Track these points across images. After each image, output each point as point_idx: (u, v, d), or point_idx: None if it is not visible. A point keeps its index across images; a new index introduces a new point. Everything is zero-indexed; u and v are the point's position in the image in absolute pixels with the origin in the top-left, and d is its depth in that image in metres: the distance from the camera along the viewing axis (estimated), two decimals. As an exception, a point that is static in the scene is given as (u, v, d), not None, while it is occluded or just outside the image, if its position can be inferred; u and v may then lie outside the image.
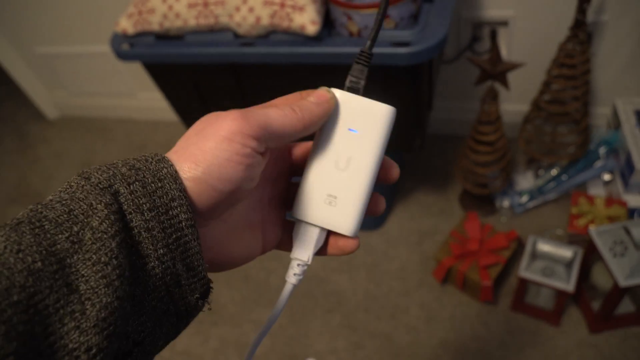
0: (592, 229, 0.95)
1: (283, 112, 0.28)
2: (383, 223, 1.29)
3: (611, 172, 1.21)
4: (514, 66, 0.99)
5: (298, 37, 0.87)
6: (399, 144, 1.02)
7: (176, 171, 0.25)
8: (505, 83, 1.02)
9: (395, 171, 0.32)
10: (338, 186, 0.30)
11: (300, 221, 0.31)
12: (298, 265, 0.31)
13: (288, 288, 0.32)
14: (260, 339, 0.33)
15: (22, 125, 1.99)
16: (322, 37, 0.85)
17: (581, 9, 1.01)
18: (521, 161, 1.34)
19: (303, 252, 0.31)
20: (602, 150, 1.21)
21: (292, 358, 1.11)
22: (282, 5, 0.84)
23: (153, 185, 0.24)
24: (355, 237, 0.31)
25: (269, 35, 0.90)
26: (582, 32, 1.04)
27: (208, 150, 0.25)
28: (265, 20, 0.86)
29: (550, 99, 1.15)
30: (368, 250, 1.25)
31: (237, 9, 0.89)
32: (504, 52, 1.26)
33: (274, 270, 1.26)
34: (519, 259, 1.13)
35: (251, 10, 0.87)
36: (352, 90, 0.31)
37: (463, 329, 1.08)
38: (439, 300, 1.13)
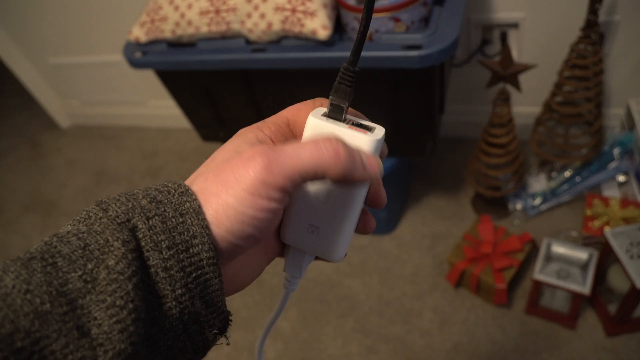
0: (608, 231, 0.94)
1: (319, 151, 0.24)
2: (395, 227, 1.29)
3: (626, 173, 1.20)
4: (525, 67, 0.99)
5: (309, 42, 0.87)
6: (411, 148, 1.02)
7: (199, 206, 0.24)
8: (516, 85, 1.01)
9: (382, 198, 0.30)
10: (320, 217, 0.29)
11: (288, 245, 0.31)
12: (292, 278, 0.32)
13: (285, 294, 0.33)
14: (262, 344, 0.34)
15: (36, 135, 2.01)
16: (333, 41, 0.86)
17: (593, 10, 1.01)
18: (534, 163, 1.34)
19: (294, 270, 0.32)
20: (616, 152, 1.20)
21: (305, 363, 1.11)
22: (294, 10, 0.85)
23: (174, 220, 0.23)
24: (340, 260, 0.31)
25: (281, 40, 0.90)
26: (594, 33, 1.04)
27: (230, 207, 0.23)
28: (277, 26, 0.87)
29: (562, 101, 1.15)
30: (380, 255, 1.25)
31: (249, 15, 0.90)
32: (515, 54, 1.26)
33: (287, 276, 1.26)
34: (533, 261, 1.12)
35: (263, 16, 0.88)
36: (334, 113, 0.28)
37: (477, 333, 1.07)
38: (453, 304, 1.13)
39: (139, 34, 1.00)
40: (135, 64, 1.01)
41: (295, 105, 0.30)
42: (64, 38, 1.66)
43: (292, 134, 0.30)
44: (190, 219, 0.23)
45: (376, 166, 0.26)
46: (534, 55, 1.24)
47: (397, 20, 0.82)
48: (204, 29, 0.94)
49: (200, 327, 0.24)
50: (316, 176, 0.24)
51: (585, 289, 0.96)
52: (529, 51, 1.24)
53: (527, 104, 1.35)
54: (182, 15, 0.95)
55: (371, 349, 1.10)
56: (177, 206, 0.23)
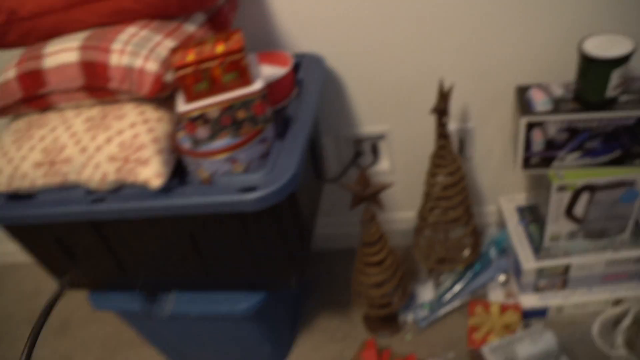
0: (485, 348, 0.91)
1: None
2: (286, 358, 1.20)
3: (506, 272, 1.21)
4: (383, 187, 0.99)
5: (147, 189, 0.83)
6: (274, 283, 0.97)
7: None
8: (379, 204, 1.01)
9: None
10: None
11: None
12: None
13: None
14: None
15: None
16: (172, 187, 0.82)
17: (440, 123, 1.04)
18: (423, 269, 1.32)
19: None
20: (493, 252, 1.21)
21: None
22: (126, 160, 0.81)
23: None
24: None
25: (121, 188, 0.85)
26: (447, 143, 1.07)
27: None
28: (112, 176, 0.82)
29: (433, 208, 1.16)
30: (274, 390, 1.15)
31: (84, 165, 0.85)
32: (387, 164, 1.28)
33: None
34: (428, 380, 1.06)
35: (97, 166, 0.83)
36: None
37: None
38: None
39: (-29, 190, 0.92)
40: (-32, 222, 0.91)
41: None
42: None
43: None
44: None
45: None
46: (405, 163, 1.27)
47: (234, 161, 0.80)
48: (40, 181, 0.88)
49: None
50: None
51: (475, 411, 0.90)
52: (399, 160, 1.27)
53: (407, 209, 1.36)
54: (16, 168, 0.89)
55: None
56: None
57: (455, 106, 1.15)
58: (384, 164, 1.28)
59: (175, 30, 0.88)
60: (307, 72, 1.02)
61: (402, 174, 1.29)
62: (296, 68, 1.04)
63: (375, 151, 1.28)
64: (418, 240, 1.22)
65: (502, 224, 1.27)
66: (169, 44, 0.84)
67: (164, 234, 0.91)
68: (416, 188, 1.31)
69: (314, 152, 1.06)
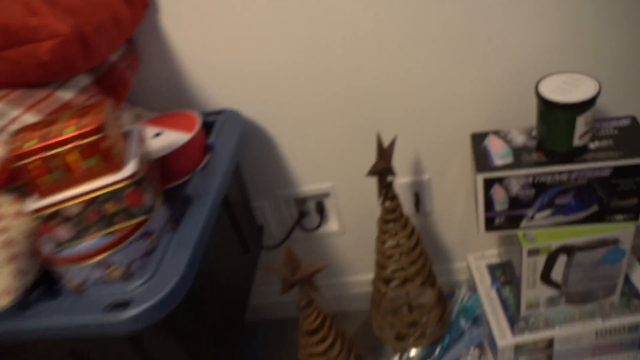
0: None
1: None
2: None
3: (480, 345, 1.03)
4: (316, 270, 0.81)
5: (3, 305, 0.65)
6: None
7: None
8: (314, 287, 0.83)
9: None
10: None
11: None
12: None
13: None
14: None
15: None
16: (30, 302, 0.64)
17: (384, 184, 0.88)
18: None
19: None
20: (463, 321, 1.03)
21: None
22: (-31, 272, 0.63)
23: None
24: None
25: (-28, 304, 0.68)
26: (396, 204, 0.91)
27: None
28: (-45, 292, 0.65)
29: (388, 278, 0.99)
30: None
31: None
32: (335, 223, 1.11)
33: None
34: None
35: (-61, 279, 0.66)
36: None
37: None
38: None
39: None
40: None
41: None
42: None
43: None
44: None
45: None
46: (356, 222, 1.11)
47: (108, 265, 0.63)
48: None
49: None
50: None
51: None
52: (349, 219, 1.11)
53: (364, 271, 1.19)
54: None
55: None
56: None
57: (405, 158, 1.00)
58: (332, 225, 1.12)
59: (44, 99, 0.72)
60: (220, 133, 0.86)
61: (354, 234, 1.13)
62: (209, 129, 0.88)
63: (321, 211, 1.11)
64: (375, 315, 1.04)
65: (470, 286, 1.10)
66: (30, 119, 0.68)
67: (40, 352, 0.73)
68: (371, 247, 1.14)
69: (236, 225, 0.89)
